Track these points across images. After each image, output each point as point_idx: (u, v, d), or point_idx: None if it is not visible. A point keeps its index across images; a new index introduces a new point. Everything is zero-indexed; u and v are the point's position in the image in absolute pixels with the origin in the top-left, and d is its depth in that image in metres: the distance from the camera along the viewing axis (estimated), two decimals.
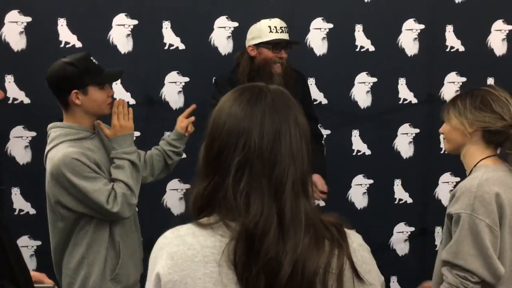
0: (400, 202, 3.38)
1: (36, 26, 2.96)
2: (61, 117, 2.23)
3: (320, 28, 3.18)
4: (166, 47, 3.06)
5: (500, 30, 3.35)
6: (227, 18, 3.09)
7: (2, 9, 2.92)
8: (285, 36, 2.70)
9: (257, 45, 2.70)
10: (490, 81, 3.37)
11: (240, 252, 0.94)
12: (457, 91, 3.33)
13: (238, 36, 3.08)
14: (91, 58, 2.21)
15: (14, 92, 2.97)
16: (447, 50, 3.32)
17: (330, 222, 1.02)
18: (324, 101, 3.23)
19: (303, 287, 0.93)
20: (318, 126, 3.03)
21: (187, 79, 3.10)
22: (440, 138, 3.01)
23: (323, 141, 3.07)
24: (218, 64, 3.09)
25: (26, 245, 3.07)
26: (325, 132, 3.21)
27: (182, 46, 3.08)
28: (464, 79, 3.35)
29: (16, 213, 3.03)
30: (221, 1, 3.08)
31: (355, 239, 1.04)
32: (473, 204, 1.71)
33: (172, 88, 3.08)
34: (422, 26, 3.27)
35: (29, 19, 2.95)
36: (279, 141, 0.98)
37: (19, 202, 3.03)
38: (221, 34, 3.10)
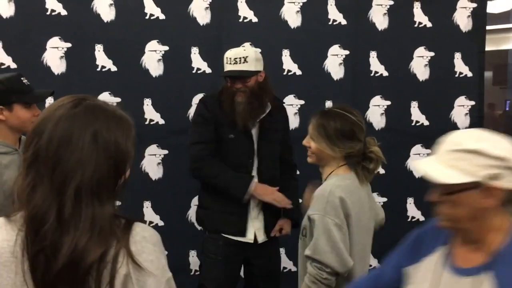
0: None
1: None
2: None
3: None
4: (99, 69, 3.21)
5: (422, 56, 3.53)
6: (158, 42, 3.24)
7: None
8: (237, 67, 2.69)
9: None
10: (414, 104, 3.54)
11: (27, 239, 1.05)
12: (382, 114, 3.50)
13: (168, 59, 3.24)
14: (22, 78, 2.33)
15: None
16: (372, 75, 3.49)
17: (123, 218, 1.13)
18: None
19: (79, 277, 1.04)
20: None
21: (118, 99, 3.22)
22: None
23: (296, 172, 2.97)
24: (149, 86, 3.23)
25: None
26: None
27: (114, 68, 3.22)
28: (388, 102, 3.51)
29: None
30: (152, 26, 3.24)
31: (140, 232, 1.12)
32: (325, 208, 1.98)
33: None
34: (347, 52, 3.44)
35: None
36: (66, 147, 1.08)
37: None
38: (152, 57, 3.25)
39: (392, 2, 3.48)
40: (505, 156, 1.20)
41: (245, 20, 3.35)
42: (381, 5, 3.46)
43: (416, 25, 3.51)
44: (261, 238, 2.77)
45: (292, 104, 3.41)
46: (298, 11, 3.38)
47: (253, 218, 2.75)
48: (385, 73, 3.50)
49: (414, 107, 3.54)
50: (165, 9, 3.25)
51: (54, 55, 3.16)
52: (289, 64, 3.39)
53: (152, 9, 3.23)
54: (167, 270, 1.14)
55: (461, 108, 3.60)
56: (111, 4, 3.19)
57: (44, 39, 3.14)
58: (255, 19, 3.35)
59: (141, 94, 3.24)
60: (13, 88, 2.26)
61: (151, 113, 3.27)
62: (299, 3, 3.37)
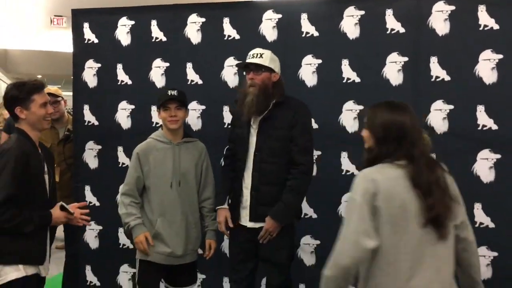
0: None
1: (104, 70, 4.13)
2: None
3: (310, 64, 3.73)
4: (189, 83, 3.96)
5: (489, 59, 3.44)
6: (234, 58, 3.85)
7: (83, 59, 4.15)
8: (252, 60, 3.07)
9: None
10: (480, 108, 3.48)
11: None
12: (444, 118, 3.53)
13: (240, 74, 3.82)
14: (169, 90, 3.24)
15: (88, 116, 4.16)
16: (433, 80, 3.54)
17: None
18: (315, 126, 3.72)
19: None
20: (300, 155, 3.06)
21: (203, 107, 3.94)
22: None
23: (301, 172, 3.06)
24: (228, 95, 3.78)
25: (93, 228, 4.17)
26: (316, 153, 3.68)
27: (200, 82, 3.94)
28: (451, 106, 3.51)
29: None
30: (229, 46, 3.86)
31: None
32: None
33: (192, 114, 3.93)
34: (406, 59, 3.57)
35: (99, 65, 4.13)
36: None
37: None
38: (230, 72, 3.87)
39: (453, 7, 3.49)
40: None
41: (307, 35, 3.74)
42: (442, 11, 3.51)
43: (481, 28, 3.45)
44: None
45: (351, 109, 3.68)
46: (356, 24, 3.64)
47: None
48: (447, 78, 3.52)
49: (481, 111, 3.48)
50: (240, 30, 3.85)
51: (157, 72, 4.01)
52: (348, 73, 3.67)
53: (229, 31, 3.86)
54: None
55: None
56: (198, 30, 3.92)
57: (150, 60, 4.02)
58: (316, 34, 3.72)
59: (220, 102, 3.88)
60: (158, 97, 3.25)
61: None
62: (357, 16, 3.64)
